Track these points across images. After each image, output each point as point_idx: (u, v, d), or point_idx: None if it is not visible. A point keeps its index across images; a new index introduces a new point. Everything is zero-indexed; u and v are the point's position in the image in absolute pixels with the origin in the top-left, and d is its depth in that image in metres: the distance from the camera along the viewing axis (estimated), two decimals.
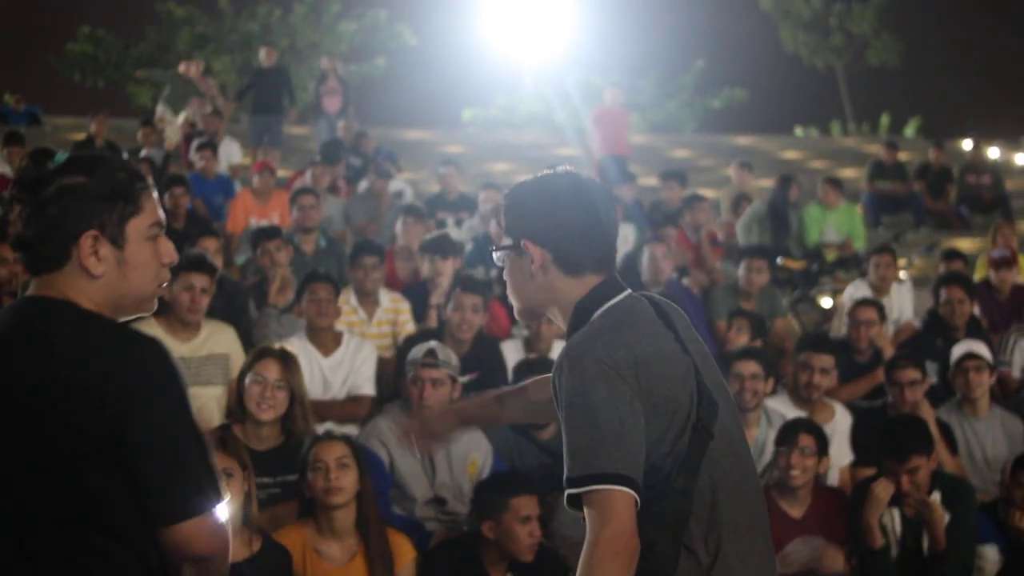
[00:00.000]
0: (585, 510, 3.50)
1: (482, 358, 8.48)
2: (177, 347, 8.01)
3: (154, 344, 3.21)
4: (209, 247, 9.37)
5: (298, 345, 8.16)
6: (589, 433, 3.49)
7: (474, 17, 42.14)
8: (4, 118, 23.72)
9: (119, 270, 3.28)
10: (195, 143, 16.90)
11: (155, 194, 3.38)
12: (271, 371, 6.82)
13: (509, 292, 3.84)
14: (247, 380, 6.85)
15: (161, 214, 3.37)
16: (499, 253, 3.81)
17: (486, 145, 26.79)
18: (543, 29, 42.39)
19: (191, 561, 3.18)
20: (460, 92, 43.19)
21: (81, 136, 19.40)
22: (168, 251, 3.37)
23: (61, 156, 3.27)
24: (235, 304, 9.30)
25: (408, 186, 15.90)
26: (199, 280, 8.05)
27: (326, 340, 8.44)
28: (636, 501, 3.48)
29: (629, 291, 3.77)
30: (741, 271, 11.06)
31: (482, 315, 8.65)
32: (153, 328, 8.03)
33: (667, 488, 3.57)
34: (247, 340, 8.72)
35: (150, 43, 40.38)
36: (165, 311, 8.24)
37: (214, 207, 14.91)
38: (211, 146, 16.15)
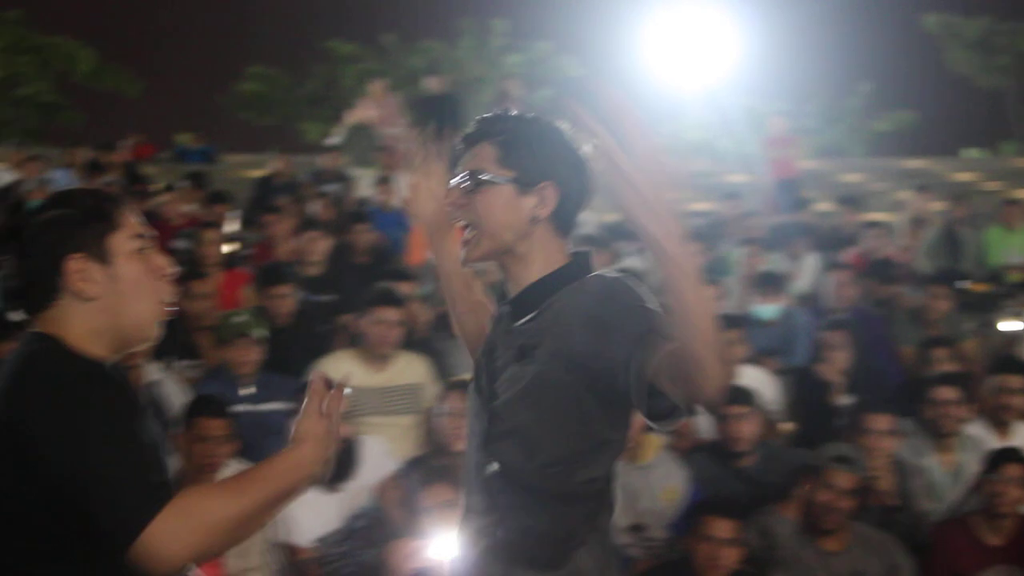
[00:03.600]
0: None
1: None
2: (370, 378, 8.12)
3: (75, 375, 3.08)
4: (405, 290, 9.36)
5: None
6: None
7: (637, 47, 42.20)
8: (182, 158, 24.19)
9: (113, 288, 3.22)
10: (372, 178, 17.11)
11: (134, 210, 3.33)
12: (459, 403, 6.89)
13: (481, 226, 3.51)
14: (439, 413, 6.93)
15: (143, 228, 3.32)
16: (489, 180, 3.49)
17: None
18: (706, 57, 42.32)
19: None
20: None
21: (256, 173, 19.69)
22: (161, 263, 3.31)
23: (33, 203, 3.27)
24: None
25: (594, 217, 15.88)
26: (388, 314, 8.17)
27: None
28: None
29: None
30: (923, 298, 10.90)
31: None
32: (346, 360, 8.17)
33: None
34: (437, 371, 8.83)
35: (317, 80, 40.92)
36: (358, 343, 8.38)
37: (392, 240, 15.03)
38: (387, 180, 16.30)
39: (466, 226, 3.52)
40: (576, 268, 3.51)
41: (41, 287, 3.20)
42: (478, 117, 3.59)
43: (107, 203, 3.28)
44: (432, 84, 20.37)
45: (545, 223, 3.47)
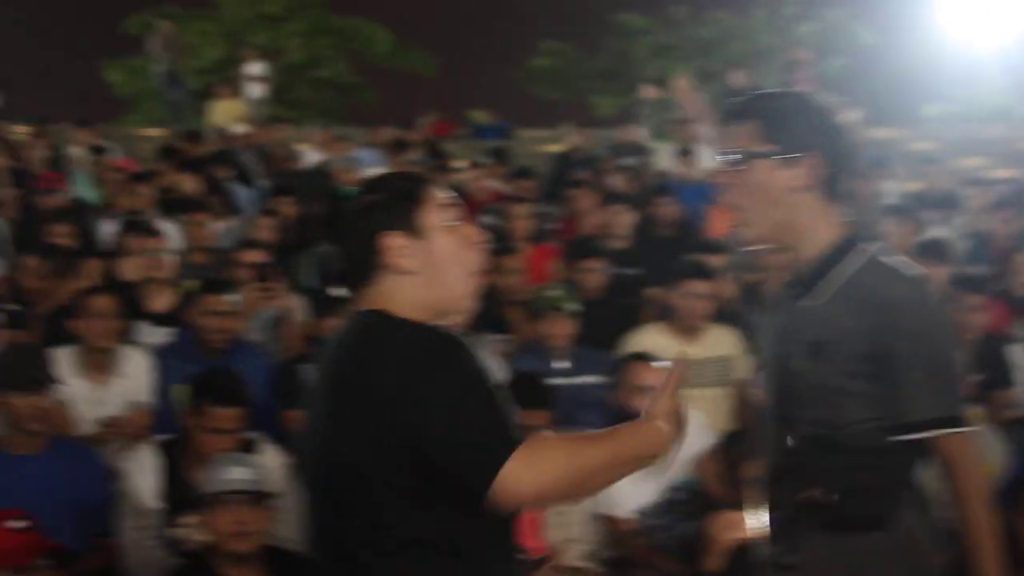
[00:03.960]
0: (950, 448, 3.53)
1: (986, 358, 8.33)
2: (680, 349, 8.17)
3: (419, 338, 3.21)
4: (713, 262, 9.41)
5: None
6: (955, 376, 3.59)
7: (932, 10, 41.24)
8: (479, 134, 24.46)
9: (428, 261, 3.35)
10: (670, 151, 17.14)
11: (442, 186, 3.46)
12: None
13: (750, 202, 3.69)
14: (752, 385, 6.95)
15: (452, 202, 3.44)
16: (755, 154, 3.64)
17: (952, 141, 26.15)
18: (1003, 19, 41.14)
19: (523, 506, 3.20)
20: (920, 87, 42.25)
21: (551, 147, 19.82)
22: (471, 234, 3.43)
23: (344, 189, 3.37)
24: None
25: (896, 186, 15.65)
26: (699, 286, 8.22)
27: None
28: None
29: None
30: None
31: (983, 314, 8.48)
32: (657, 333, 8.24)
33: None
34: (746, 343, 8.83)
35: (609, 54, 40.92)
36: (668, 316, 8.44)
37: (695, 213, 14.98)
38: (687, 152, 16.25)
39: (736, 209, 3.69)
40: (853, 238, 3.65)
41: (362, 266, 3.38)
42: (738, 98, 3.80)
43: (416, 182, 3.45)
44: (736, 79, 20.16)
45: (815, 193, 3.62)
